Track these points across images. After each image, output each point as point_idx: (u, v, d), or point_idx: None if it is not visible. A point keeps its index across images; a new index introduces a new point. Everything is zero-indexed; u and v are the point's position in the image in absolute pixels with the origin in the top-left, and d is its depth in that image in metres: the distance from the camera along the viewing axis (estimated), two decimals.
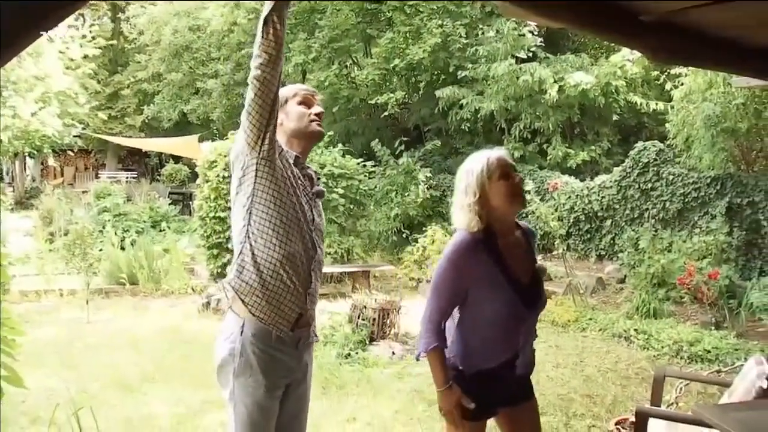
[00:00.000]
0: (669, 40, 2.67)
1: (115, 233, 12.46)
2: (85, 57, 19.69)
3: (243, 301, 2.65)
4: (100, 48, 20.79)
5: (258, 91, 2.52)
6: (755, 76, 3.53)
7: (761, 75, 3.47)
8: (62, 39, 18.89)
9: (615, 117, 13.71)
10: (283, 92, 2.80)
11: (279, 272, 2.64)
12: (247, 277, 2.65)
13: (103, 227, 13.23)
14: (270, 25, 2.45)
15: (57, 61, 18.19)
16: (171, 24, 19.04)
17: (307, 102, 2.86)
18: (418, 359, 2.86)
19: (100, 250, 11.31)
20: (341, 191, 11.68)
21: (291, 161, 2.76)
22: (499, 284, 2.69)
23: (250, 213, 2.65)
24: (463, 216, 2.76)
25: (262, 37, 2.47)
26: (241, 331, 2.65)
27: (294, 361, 2.77)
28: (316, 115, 2.84)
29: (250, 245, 2.65)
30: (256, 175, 2.62)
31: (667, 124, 11.04)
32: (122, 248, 11.77)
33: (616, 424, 4.32)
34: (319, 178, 2.96)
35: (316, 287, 2.82)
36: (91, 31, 22.03)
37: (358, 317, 8.01)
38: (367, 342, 7.79)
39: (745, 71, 3.67)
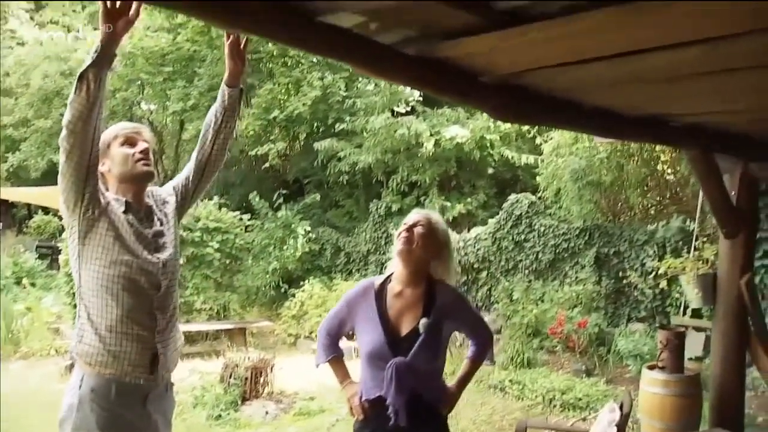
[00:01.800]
0: (509, 100, 2.69)
1: None
2: None
3: (90, 364, 2.52)
4: None
5: (68, 153, 2.38)
6: (597, 134, 3.65)
7: (603, 133, 3.59)
8: None
9: (490, 170, 14.07)
10: (104, 137, 2.66)
11: (118, 331, 2.53)
12: (88, 340, 2.54)
13: None
14: (84, 83, 2.30)
15: None
16: (41, 68, 18.28)
17: (130, 141, 2.70)
18: (317, 367, 3.28)
19: None
20: (216, 245, 11.36)
21: (121, 210, 2.63)
22: (373, 325, 2.96)
23: (79, 275, 2.55)
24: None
25: (75, 93, 2.32)
26: (80, 386, 2.52)
27: (140, 419, 2.62)
28: (141, 153, 2.69)
29: (85, 307, 2.54)
30: (79, 237, 2.52)
31: (538, 177, 11.41)
32: None
33: None
34: (164, 205, 2.83)
35: (167, 325, 2.70)
36: None
37: (230, 376, 7.75)
38: (240, 402, 7.54)
39: (587, 130, 3.79)
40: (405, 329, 2.97)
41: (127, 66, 16.17)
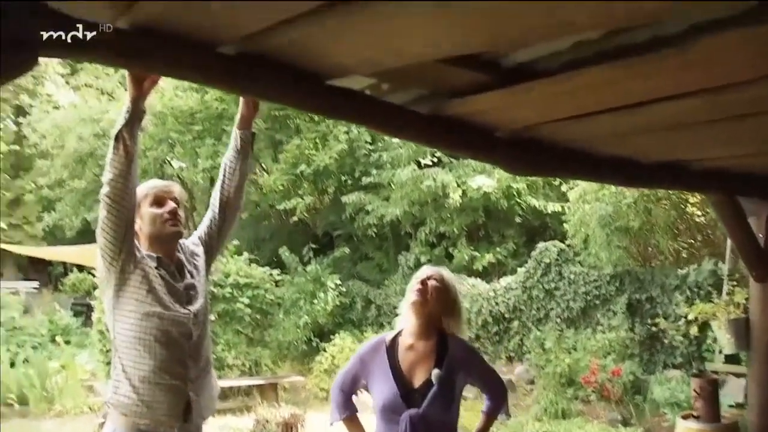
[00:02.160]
0: (522, 154, 2.74)
1: (8, 349, 11.76)
2: None
3: (125, 414, 2.58)
4: (0, 153, 20.29)
5: (109, 207, 2.48)
6: (616, 183, 3.66)
7: (622, 182, 3.60)
8: None
9: (518, 219, 14.03)
10: (136, 194, 2.72)
11: (152, 382, 2.58)
12: (123, 391, 2.59)
13: None
14: (120, 141, 2.43)
15: None
16: (75, 130, 18.81)
17: (159, 201, 2.77)
18: (332, 425, 3.26)
19: None
20: (247, 301, 11.43)
21: (153, 265, 2.69)
22: (386, 378, 2.98)
23: (114, 328, 2.62)
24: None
25: (113, 152, 2.44)
26: None
27: None
28: (169, 213, 2.75)
29: (120, 359, 2.61)
30: (114, 290, 2.60)
31: (565, 224, 11.36)
32: (13, 365, 11.10)
33: None
34: (194, 257, 2.89)
35: (201, 372, 2.76)
36: None
37: None
38: None
39: (605, 179, 3.81)
40: (418, 381, 2.98)
41: (157, 125, 16.54)
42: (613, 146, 2.96)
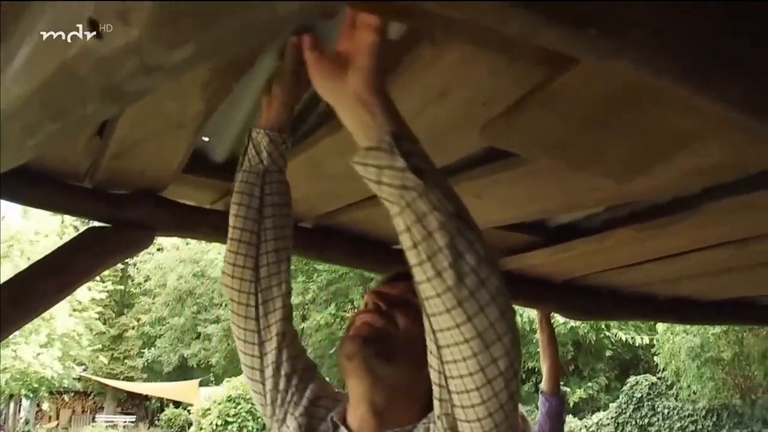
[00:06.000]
0: (576, 300, 2.96)
1: None
2: (93, 300, 20.53)
3: None
4: (107, 292, 21.53)
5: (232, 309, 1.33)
6: (678, 322, 3.79)
7: (682, 320, 3.70)
8: None
9: (609, 352, 13.81)
10: None
11: None
12: None
13: None
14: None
15: (64, 303, 19.00)
16: (176, 270, 19.91)
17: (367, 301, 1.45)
18: None
19: None
20: None
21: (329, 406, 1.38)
22: None
23: None
24: None
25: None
26: None
27: None
28: (363, 317, 1.30)
29: None
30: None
31: (655, 357, 11.15)
32: None
33: None
34: None
35: None
36: (100, 277, 23.04)
37: None
38: None
39: (658, 319, 3.92)
40: None
41: None
42: (666, 289, 3.12)
